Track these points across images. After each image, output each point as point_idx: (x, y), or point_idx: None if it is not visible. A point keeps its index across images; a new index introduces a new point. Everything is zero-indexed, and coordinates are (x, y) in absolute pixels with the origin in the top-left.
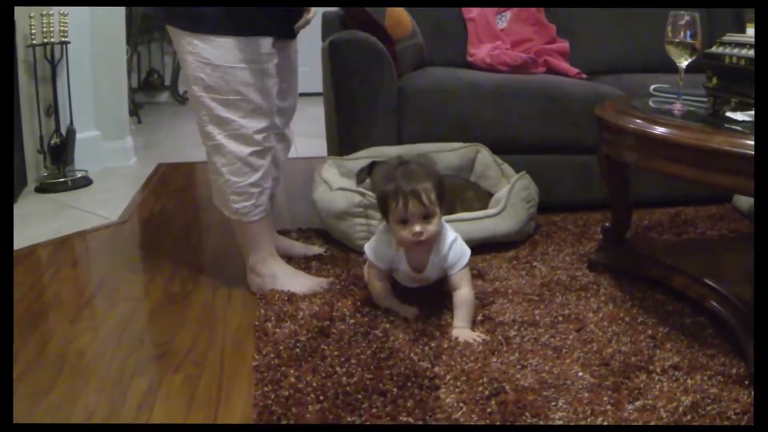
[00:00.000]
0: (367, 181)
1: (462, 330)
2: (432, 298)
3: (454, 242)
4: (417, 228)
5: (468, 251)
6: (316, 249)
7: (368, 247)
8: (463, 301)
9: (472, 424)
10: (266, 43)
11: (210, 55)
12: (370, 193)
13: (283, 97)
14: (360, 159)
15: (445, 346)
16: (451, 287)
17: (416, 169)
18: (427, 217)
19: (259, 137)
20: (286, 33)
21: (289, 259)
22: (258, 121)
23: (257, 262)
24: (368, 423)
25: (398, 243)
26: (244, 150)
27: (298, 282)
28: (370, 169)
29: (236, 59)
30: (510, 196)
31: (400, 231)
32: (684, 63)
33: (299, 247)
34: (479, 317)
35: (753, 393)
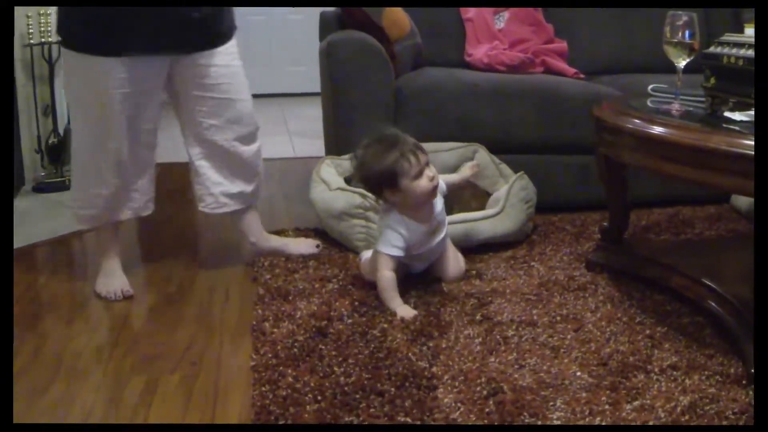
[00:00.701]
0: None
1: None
2: (430, 298)
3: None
4: (430, 172)
5: None
6: (311, 245)
7: (383, 246)
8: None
9: (470, 424)
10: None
11: None
12: (370, 195)
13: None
14: None
15: (443, 346)
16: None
17: (394, 133)
18: (427, 164)
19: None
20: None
21: (287, 258)
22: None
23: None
24: (366, 423)
25: (419, 198)
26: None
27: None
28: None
29: None
30: (509, 197)
31: (418, 184)
32: (682, 63)
33: (293, 246)
34: (477, 317)
35: (753, 393)
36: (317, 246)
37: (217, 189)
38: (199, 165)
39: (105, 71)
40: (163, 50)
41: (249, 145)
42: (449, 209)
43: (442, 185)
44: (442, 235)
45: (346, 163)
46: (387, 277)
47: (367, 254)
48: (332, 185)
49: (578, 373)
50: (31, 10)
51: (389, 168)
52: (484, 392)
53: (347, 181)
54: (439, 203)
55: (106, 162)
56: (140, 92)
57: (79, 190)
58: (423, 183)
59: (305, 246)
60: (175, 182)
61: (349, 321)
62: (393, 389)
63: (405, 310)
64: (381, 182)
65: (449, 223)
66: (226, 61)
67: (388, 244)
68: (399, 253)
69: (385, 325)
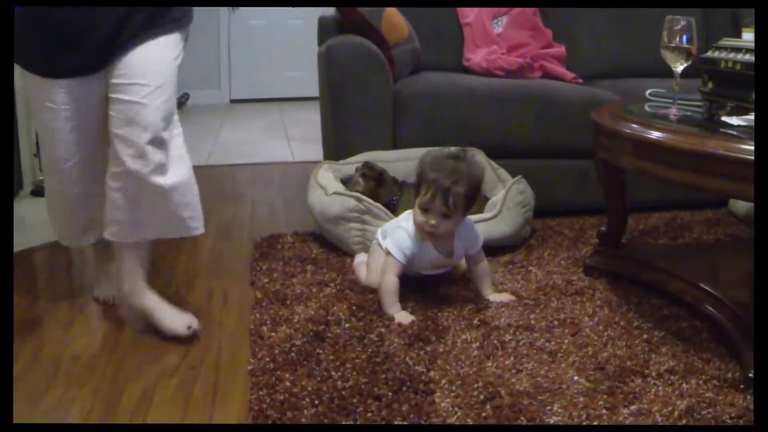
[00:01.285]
0: (361, 183)
1: (495, 295)
2: (427, 302)
3: (474, 227)
4: (433, 221)
5: (481, 234)
6: (185, 323)
7: (392, 246)
8: (485, 271)
9: (467, 424)
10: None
11: None
12: (366, 198)
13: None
14: (355, 164)
15: (441, 350)
16: (471, 263)
17: (462, 170)
18: (446, 216)
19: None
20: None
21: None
22: None
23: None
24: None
25: (415, 224)
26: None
27: None
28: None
29: None
30: (506, 201)
31: (420, 216)
32: (680, 68)
33: (167, 318)
34: (475, 321)
35: (750, 397)
36: (189, 328)
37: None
38: None
39: (47, 90)
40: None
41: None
42: None
43: (470, 246)
44: (440, 271)
45: (344, 167)
46: (391, 282)
47: (361, 257)
48: (329, 190)
49: (575, 378)
50: None
51: (419, 172)
52: (482, 396)
53: (344, 182)
54: (459, 252)
55: (61, 182)
56: (83, 108)
57: (48, 208)
58: (421, 218)
59: (180, 322)
60: None
61: (347, 325)
62: (390, 393)
63: (403, 316)
64: (416, 180)
65: None
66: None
67: (398, 246)
68: (403, 259)
69: (383, 330)
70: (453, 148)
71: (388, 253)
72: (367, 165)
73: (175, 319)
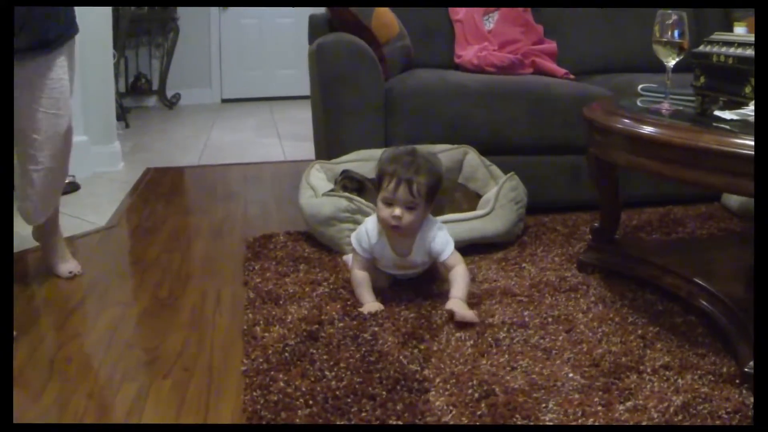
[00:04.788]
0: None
1: (456, 302)
2: (421, 300)
3: (439, 230)
4: (397, 212)
5: (452, 240)
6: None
7: (353, 236)
8: (458, 274)
9: (462, 424)
10: None
11: None
12: (356, 198)
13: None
14: (347, 162)
15: (435, 348)
16: (445, 270)
17: (420, 162)
18: (410, 207)
19: None
20: None
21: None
22: None
23: None
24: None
25: (379, 221)
26: None
27: None
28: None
29: None
30: (498, 197)
31: (383, 210)
32: (672, 62)
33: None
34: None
35: (746, 391)
36: (70, 273)
37: None
38: None
39: None
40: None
41: None
42: (440, 211)
43: (435, 252)
44: (408, 273)
45: (336, 167)
46: (356, 276)
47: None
48: (319, 191)
49: (570, 375)
50: None
51: (378, 173)
52: (476, 395)
53: (336, 182)
54: (418, 254)
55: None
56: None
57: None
58: (385, 212)
59: (64, 267)
60: (167, 186)
61: (340, 325)
62: (384, 393)
63: (370, 306)
64: (376, 179)
65: (443, 222)
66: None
67: (356, 238)
68: (362, 253)
69: (376, 329)
70: (409, 147)
71: (353, 249)
72: (346, 175)
73: (65, 265)
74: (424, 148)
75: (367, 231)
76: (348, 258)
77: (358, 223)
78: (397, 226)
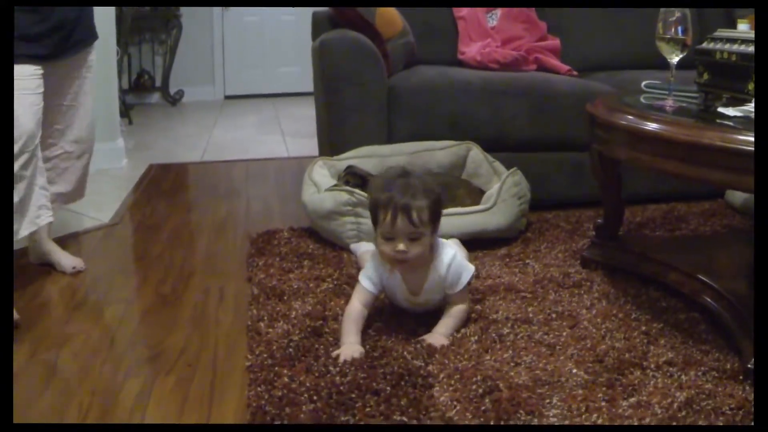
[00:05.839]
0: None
1: (435, 336)
2: None
3: (452, 260)
4: (400, 246)
5: (470, 268)
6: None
7: (362, 272)
8: (455, 312)
9: (465, 423)
10: None
11: None
12: (357, 191)
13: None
14: (350, 159)
15: (439, 344)
16: (447, 300)
17: (415, 184)
18: (414, 238)
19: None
20: None
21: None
22: None
23: None
24: (362, 423)
25: (382, 258)
26: None
27: None
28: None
29: None
30: (501, 192)
31: (384, 245)
32: (675, 59)
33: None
34: (473, 314)
35: (749, 387)
36: (73, 268)
37: None
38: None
39: None
40: None
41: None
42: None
43: (448, 284)
44: (421, 310)
45: (339, 164)
46: (350, 308)
47: (364, 246)
48: (322, 187)
49: (574, 371)
50: None
51: (372, 205)
52: (480, 390)
53: (339, 177)
54: (433, 292)
55: None
56: None
57: None
58: (386, 248)
59: (67, 262)
60: (170, 183)
61: None
62: (389, 388)
63: (347, 349)
64: (370, 213)
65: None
66: None
67: (365, 272)
68: (370, 287)
69: (380, 324)
70: (398, 168)
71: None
72: (350, 171)
73: (67, 260)
74: (419, 166)
75: (375, 268)
76: (356, 246)
77: (359, 216)
78: (403, 261)
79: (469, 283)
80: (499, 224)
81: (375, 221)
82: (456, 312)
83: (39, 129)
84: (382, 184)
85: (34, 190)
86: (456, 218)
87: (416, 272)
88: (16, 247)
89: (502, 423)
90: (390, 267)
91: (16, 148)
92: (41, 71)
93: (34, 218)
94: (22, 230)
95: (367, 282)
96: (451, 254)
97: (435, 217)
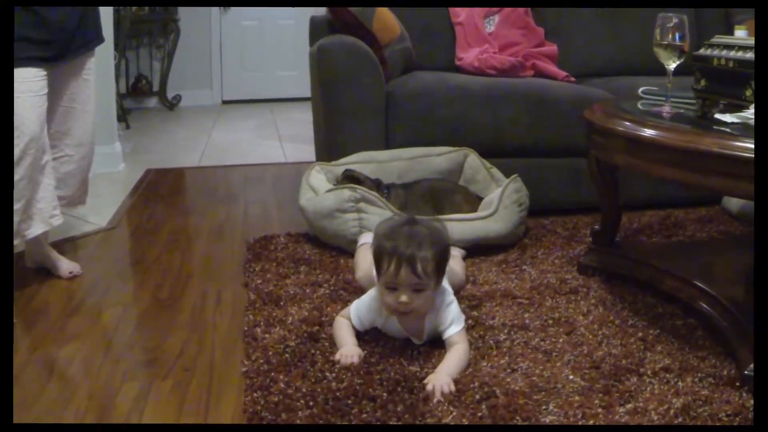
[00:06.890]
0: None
1: (439, 376)
2: None
3: (448, 306)
4: (403, 297)
5: (462, 317)
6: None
7: (354, 305)
8: (456, 352)
9: (463, 425)
10: None
11: None
12: (359, 187)
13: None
14: (348, 164)
15: (435, 350)
16: (447, 344)
17: (422, 233)
18: (418, 289)
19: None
20: None
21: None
22: None
23: None
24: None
25: (384, 308)
26: None
27: None
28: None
29: None
30: (502, 198)
31: (387, 296)
32: (672, 65)
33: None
34: (469, 321)
35: (746, 394)
36: (70, 273)
37: None
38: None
39: None
40: None
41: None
42: (441, 212)
43: (441, 328)
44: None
45: (336, 169)
46: (339, 320)
47: (365, 237)
48: (320, 192)
49: (571, 377)
50: None
51: (376, 252)
52: (477, 396)
53: (337, 181)
54: (430, 328)
55: None
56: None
57: None
58: (389, 298)
59: (65, 267)
60: (168, 187)
61: None
62: (385, 394)
63: (346, 351)
64: (374, 259)
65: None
66: None
67: (356, 312)
68: (357, 325)
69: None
70: (405, 216)
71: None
72: (348, 174)
73: (64, 265)
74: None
75: (373, 308)
76: (362, 237)
77: (362, 211)
78: (405, 312)
79: (462, 328)
80: (500, 231)
81: (378, 269)
82: (457, 351)
83: (43, 130)
84: (389, 230)
85: (48, 190)
86: (457, 224)
87: (414, 320)
88: (17, 250)
89: (498, 424)
90: (386, 312)
91: (20, 149)
92: (45, 73)
93: (48, 218)
94: (34, 229)
95: (356, 320)
96: (450, 300)
97: (440, 269)
